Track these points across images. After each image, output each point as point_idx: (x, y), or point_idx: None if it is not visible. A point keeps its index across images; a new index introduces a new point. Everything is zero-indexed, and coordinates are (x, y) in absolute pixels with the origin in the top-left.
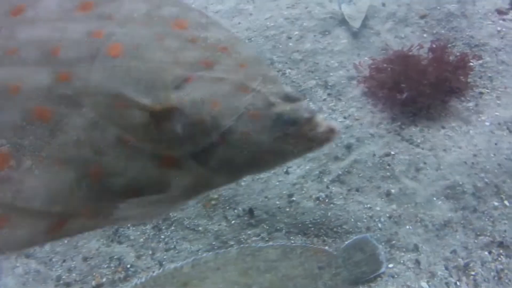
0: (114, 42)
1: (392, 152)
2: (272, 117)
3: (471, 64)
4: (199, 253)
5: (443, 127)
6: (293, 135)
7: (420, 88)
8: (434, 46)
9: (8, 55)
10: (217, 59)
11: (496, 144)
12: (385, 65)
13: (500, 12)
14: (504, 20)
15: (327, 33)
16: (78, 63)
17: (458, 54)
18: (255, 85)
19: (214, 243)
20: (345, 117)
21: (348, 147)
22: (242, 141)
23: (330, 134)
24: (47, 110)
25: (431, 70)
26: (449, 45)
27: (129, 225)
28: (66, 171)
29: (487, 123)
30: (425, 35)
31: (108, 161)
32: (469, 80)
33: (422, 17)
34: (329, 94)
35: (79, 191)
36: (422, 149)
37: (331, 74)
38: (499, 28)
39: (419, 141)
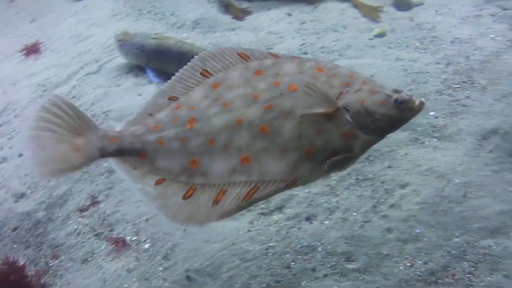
0: (290, 84)
1: None
2: (392, 101)
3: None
4: None
5: None
6: (404, 108)
7: None
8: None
9: (225, 107)
10: (351, 82)
11: None
12: None
13: (81, 210)
14: (83, 217)
15: None
16: (273, 99)
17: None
18: (377, 89)
19: None
20: None
21: None
22: (382, 117)
23: (421, 104)
24: (266, 126)
25: None
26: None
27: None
28: (290, 154)
29: None
30: (15, 246)
31: (314, 143)
32: (46, 280)
33: (14, 229)
34: None
35: (302, 163)
36: None
37: None
38: (76, 226)
39: None
